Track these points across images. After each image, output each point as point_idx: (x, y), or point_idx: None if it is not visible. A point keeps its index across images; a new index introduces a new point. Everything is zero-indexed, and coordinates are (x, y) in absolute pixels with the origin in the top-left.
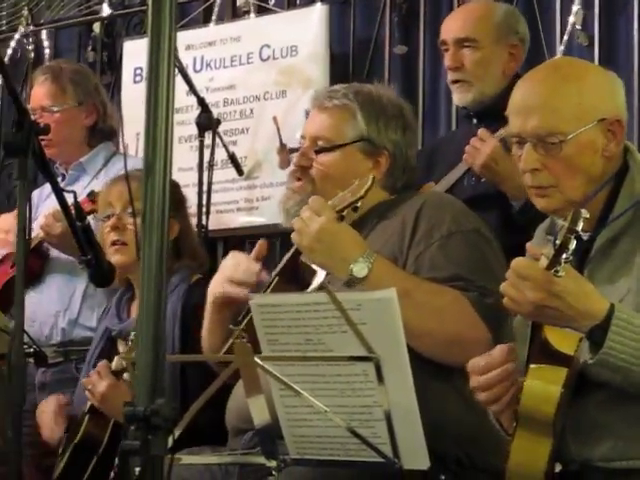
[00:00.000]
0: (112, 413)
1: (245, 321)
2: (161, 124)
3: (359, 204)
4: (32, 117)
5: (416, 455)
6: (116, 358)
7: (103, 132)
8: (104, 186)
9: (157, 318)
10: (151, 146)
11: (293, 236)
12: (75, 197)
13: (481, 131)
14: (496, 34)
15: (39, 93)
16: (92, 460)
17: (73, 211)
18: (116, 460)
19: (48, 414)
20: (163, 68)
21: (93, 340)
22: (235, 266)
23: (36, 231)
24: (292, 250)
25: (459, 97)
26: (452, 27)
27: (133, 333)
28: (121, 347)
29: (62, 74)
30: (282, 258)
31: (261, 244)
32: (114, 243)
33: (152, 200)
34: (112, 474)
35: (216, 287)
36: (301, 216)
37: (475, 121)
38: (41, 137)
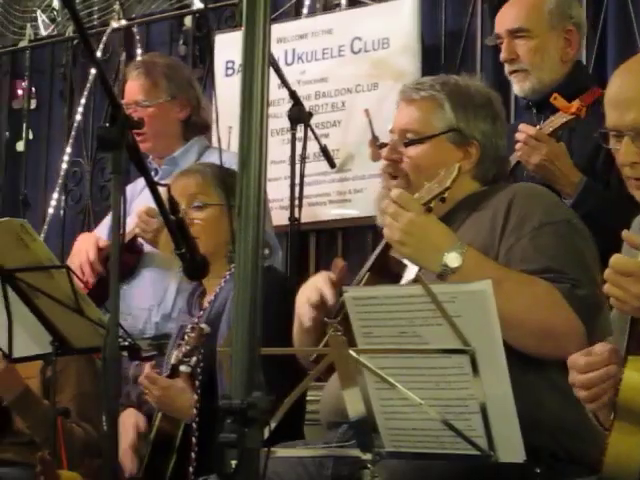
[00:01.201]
0: (173, 414)
1: (340, 314)
2: (256, 118)
3: (446, 195)
4: (126, 111)
5: (512, 448)
6: (174, 352)
7: (196, 126)
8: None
9: (252, 312)
10: (246, 140)
11: (384, 232)
12: (169, 191)
13: (528, 128)
14: (549, 21)
15: (132, 87)
16: (171, 456)
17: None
18: (193, 455)
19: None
20: (258, 62)
21: (171, 337)
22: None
23: (130, 226)
24: (382, 245)
25: (518, 87)
26: (504, 19)
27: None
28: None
29: (155, 68)
30: (373, 253)
31: (339, 266)
32: None
33: (247, 194)
34: (191, 469)
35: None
36: (387, 211)
37: (535, 111)
38: (135, 131)
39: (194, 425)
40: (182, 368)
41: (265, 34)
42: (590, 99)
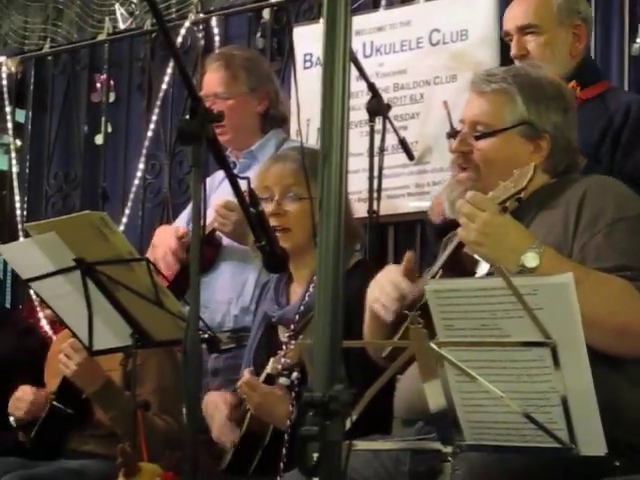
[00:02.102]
0: (270, 421)
1: (418, 306)
2: (337, 111)
3: (522, 195)
4: (205, 104)
5: (593, 441)
6: (271, 361)
7: (275, 119)
8: (260, 168)
9: (335, 304)
10: (327, 133)
11: (459, 231)
12: (249, 184)
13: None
14: (557, 17)
15: (212, 80)
16: (258, 451)
17: (247, 198)
18: (283, 451)
19: (220, 418)
20: (339, 55)
21: (253, 324)
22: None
23: (209, 219)
24: (455, 242)
25: None
26: (513, 16)
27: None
28: (281, 334)
29: (234, 61)
30: (445, 250)
31: (409, 258)
32: (277, 229)
33: (329, 186)
34: (281, 465)
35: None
36: (462, 211)
37: None
38: (215, 125)
39: (286, 436)
40: (281, 380)
41: (346, 27)
42: (597, 91)
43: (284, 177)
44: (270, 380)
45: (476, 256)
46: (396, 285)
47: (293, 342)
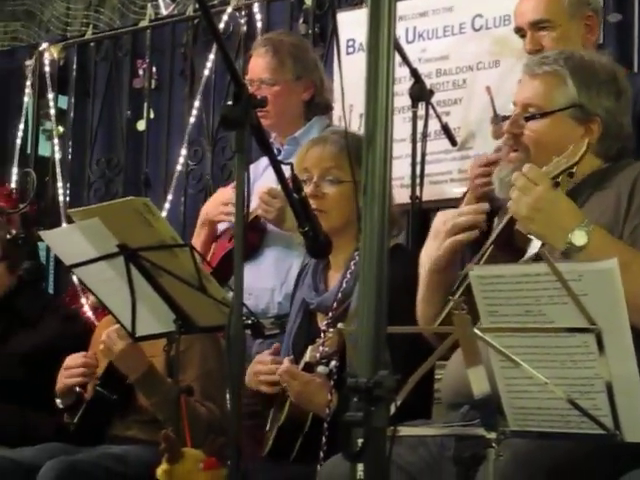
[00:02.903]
0: (310, 409)
1: (460, 291)
2: (381, 97)
3: (574, 169)
4: (249, 89)
5: (637, 427)
6: (309, 349)
7: (319, 107)
8: (300, 150)
9: (379, 290)
10: (371, 118)
11: (510, 205)
12: (292, 170)
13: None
14: (569, 10)
15: (258, 65)
16: (298, 437)
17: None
18: (323, 439)
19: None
20: (383, 40)
21: (291, 310)
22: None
23: (253, 204)
24: (506, 218)
25: None
26: (525, 12)
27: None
28: (320, 321)
29: (282, 47)
30: (497, 226)
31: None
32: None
33: (373, 171)
34: (321, 454)
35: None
36: (516, 185)
37: None
38: (258, 110)
39: (325, 425)
40: (320, 369)
41: (390, 13)
42: None
43: (323, 159)
44: (309, 368)
45: (529, 235)
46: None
47: (331, 330)
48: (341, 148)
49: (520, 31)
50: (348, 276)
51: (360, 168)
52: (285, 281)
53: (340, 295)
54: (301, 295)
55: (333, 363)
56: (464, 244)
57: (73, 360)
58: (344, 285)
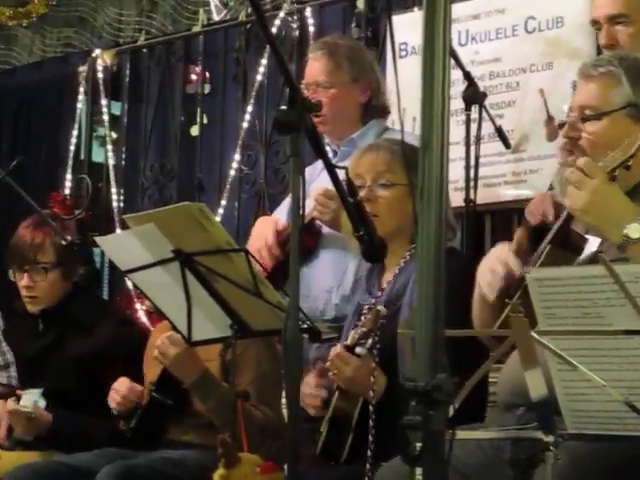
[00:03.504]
0: (360, 393)
1: (518, 294)
2: (437, 100)
3: (630, 162)
4: (305, 93)
5: None
6: (351, 333)
7: (376, 109)
8: (352, 158)
9: (436, 293)
10: (427, 122)
11: (566, 201)
12: (347, 173)
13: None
14: None
15: (315, 68)
16: (347, 436)
17: (345, 187)
18: (370, 437)
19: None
20: (439, 44)
21: (348, 315)
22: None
23: (309, 208)
24: (563, 217)
25: None
26: (603, 4)
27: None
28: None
29: (338, 50)
30: (554, 225)
31: (519, 235)
32: None
33: (430, 175)
34: (369, 452)
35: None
36: (571, 180)
37: None
38: (315, 114)
39: (371, 408)
40: (358, 350)
41: (446, 16)
42: None
43: (377, 165)
44: (348, 351)
45: (586, 235)
46: (504, 263)
47: (370, 313)
48: (393, 154)
49: (596, 24)
50: (401, 278)
51: (414, 173)
52: (341, 283)
53: (392, 297)
54: (357, 299)
55: (370, 341)
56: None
57: (120, 385)
58: (396, 286)
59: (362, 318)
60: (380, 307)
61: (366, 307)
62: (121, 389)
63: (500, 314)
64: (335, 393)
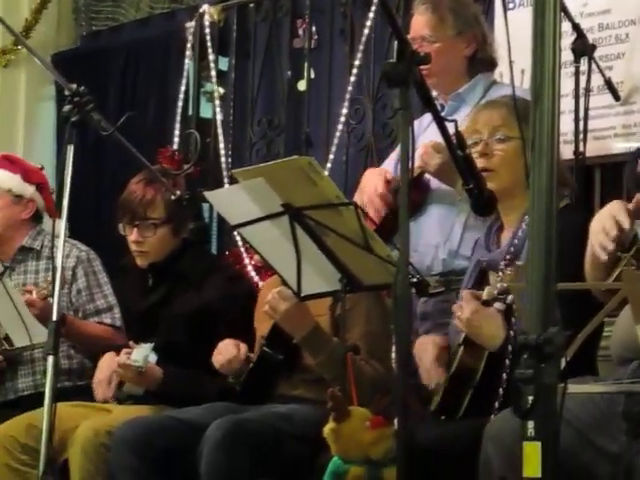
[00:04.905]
0: (480, 340)
1: (633, 250)
2: (548, 52)
3: None
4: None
5: None
6: (487, 288)
7: (482, 62)
8: (470, 114)
9: (548, 246)
10: (539, 74)
11: None
12: (456, 126)
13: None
14: None
15: (419, 23)
16: (468, 390)
17: (454, 141)
18: (500, 390)
19: (428, 359)
20: None
21: (466, 272)
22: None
23: (417, 162)
24: None
25: None
26: None
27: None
28: (492, 279)
29: (442, 3)
30: None
31: (638, 199)
32: (483, 170)
33: (541, 126)
34: (496, 404)
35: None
36: None
37: None
38: (421, 67)
39: (507, 362)
40: (496, 305)
41: None
42: None
43: (493, 119)
44: (486, 306)
45: None
46: (617, 221)
47: (510, 268)
48: (509, 109)
49: None
50: (520, 234)
51: (526, 127)
52: (449, 238)
53: (510, 253)
54: (476, 256)
55: (510, 297)
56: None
57: (224, 348)
58: (515, 242)
59: (500, 274)
60: (520, 262)
61: (502, 264)
62: (225, 354)
63: (612, 269)
64: (459, 348)
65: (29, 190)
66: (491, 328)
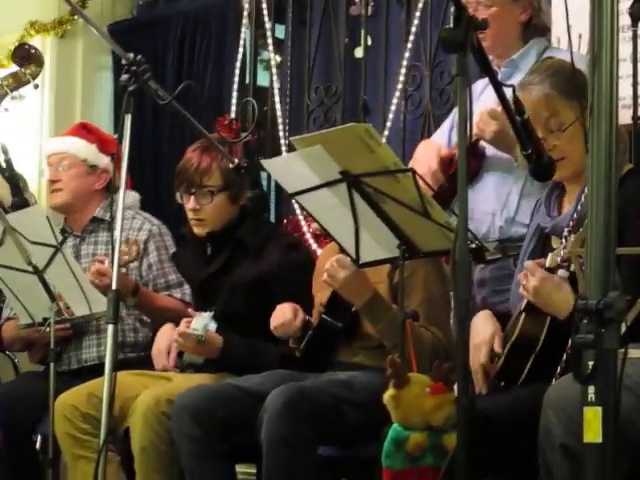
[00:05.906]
0: (546, 308)
1: None
2: (606, 16)
3: None
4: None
5: None
6: (550, 255)
7: (536, 29)
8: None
9: (608, 211)
10: (597, 38)
11: None
12: (514, 91)
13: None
14: None
15: None
16: (529, 358)
17: (512, 106)
18: (564, 357)
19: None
20: None
21: (526, 237)
22: None
23: (473, 129)
24: None
25: None
26: None
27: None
28: (554, 244)
29: None
30: None
31: None
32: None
33: (599, 90)
34: (559, 369)
35: None
36: None
37: None
38: (478, 32)
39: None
40: (560, 272)
41: None
42: None
43: (537, 112)
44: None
45: None
46: None
47: (574, 235)
48: (546, 91)
49: None
50: (583, 199)
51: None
52: (505, 206)
53: (575, 217)
54: (536, 221)
55: (573, 266)
56: None
57: (281, 309)
58: (579, 208)
59: (563, 241)
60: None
61: (566, 230)
62: (280, 318)
63: None
64: (521, 315)
65: (104, 161)
66: (560, 295)
